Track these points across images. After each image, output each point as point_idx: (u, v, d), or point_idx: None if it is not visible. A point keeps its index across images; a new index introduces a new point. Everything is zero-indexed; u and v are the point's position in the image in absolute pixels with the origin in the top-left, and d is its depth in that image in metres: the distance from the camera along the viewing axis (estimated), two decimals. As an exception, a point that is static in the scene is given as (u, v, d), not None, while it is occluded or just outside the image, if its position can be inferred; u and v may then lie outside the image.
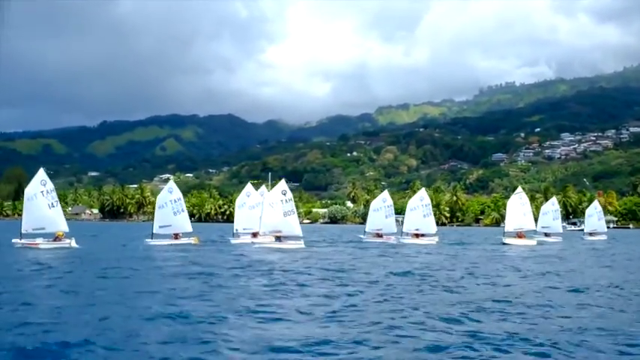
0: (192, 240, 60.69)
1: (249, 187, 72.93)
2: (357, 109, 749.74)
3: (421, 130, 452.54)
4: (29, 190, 52.07)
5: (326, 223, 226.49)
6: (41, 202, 51.52)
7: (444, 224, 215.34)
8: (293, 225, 56.86)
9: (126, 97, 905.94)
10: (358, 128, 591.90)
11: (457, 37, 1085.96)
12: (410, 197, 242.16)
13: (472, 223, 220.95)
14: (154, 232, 59.69)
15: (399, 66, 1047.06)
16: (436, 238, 71.35)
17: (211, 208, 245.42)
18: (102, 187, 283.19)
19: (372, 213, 75.26)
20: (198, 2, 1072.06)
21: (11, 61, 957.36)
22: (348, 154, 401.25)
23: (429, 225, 71.74)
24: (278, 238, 56.86)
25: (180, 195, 61.53)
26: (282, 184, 58.58)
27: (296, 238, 57.96)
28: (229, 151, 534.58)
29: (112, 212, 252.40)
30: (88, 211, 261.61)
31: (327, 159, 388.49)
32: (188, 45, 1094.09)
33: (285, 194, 57.20)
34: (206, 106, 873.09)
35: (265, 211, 57.10)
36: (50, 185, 52.26)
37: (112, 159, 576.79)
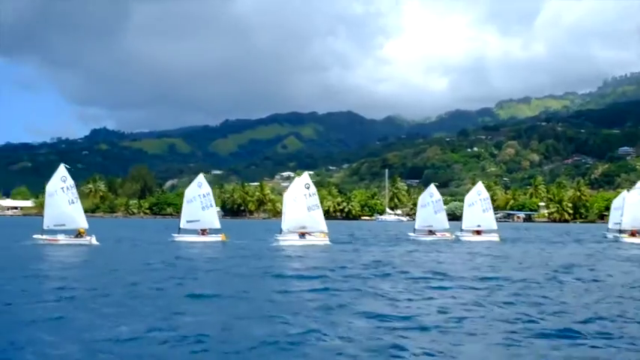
0: (221, 237, 58.73)
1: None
2: (476, 103, 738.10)
3: (543, 124, 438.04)
4: (50, 187, 51.85)
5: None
6: (61, 198, 51.24)
7: (566, 221, 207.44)
8: (318, 220, 54.93)
9: (247, 96, 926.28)
10: (478, 123, 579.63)
11: (576, 28, 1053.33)
12: (531, 194, 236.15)
13: (596, 220, 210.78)
14: (181, 227, 58.63)
15: (518, 59, 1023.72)
16: (497, 235, 67.60)
17: (330, 206, 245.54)
18: (223, 185, 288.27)
19: (420, 209, 71.04)
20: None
21: (137, 64, 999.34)
22: (469, 150, 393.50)
23: (490, 221, 68.22)
24: (302, 235, 54.80)
25: (210, 190, 60.19)
26: (305, 178, 56.60)
27: (321, 233, 56.10)
28: (349, 148, 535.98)
29: (232, 210, 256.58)
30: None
31: (447, 155, 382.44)
32: (306, 42, 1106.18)
33: (308, 188, 55.16)
34: (325, 103, 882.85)
35: (288, 207, 55.24)
36: (70, 182, 51.84)
37: (234, 157, 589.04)
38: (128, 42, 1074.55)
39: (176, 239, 57.88)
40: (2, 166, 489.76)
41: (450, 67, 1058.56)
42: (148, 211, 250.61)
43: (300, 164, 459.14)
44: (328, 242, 54.61)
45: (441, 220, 69.22)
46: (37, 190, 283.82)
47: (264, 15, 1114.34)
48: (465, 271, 33.50)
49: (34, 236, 51.73)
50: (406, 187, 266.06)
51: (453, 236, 68.39)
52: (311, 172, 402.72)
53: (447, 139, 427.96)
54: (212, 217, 58.92)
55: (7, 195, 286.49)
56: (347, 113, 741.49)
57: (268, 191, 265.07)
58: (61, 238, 50.94)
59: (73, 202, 51.50)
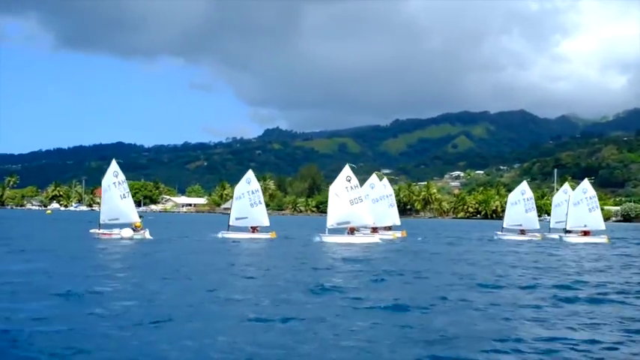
0: (270, 235, 56.98)
1: (373, 178, 68.35)
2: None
3: None
4: (105, 182, 52.70)
5: (618, 221, 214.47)
6: (114, 193, 51.88)
7: None
8: (361, 214, 52.13)
9: (417, 96, 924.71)
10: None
11: None
12: None
13: None
14: (230, 223, 57.59)
15: None
16: (606, 237, 63.43)
17: (497, 206, 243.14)
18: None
19: (510, 207, 67.97)
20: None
21: (309, 64, 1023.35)
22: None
23: (597, 221, 63.98)
24: (351, 232, 52.40)
25: (259, 186, 58.89)
26: (347, 171, 53.29)
27: (366, 230, 54.47)
28: (521, 148, 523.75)
29: (399, 209, 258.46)
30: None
31: (623, 154, 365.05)
32: (478, 41, 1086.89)
33: (349, 181, 52.50)
34: (497, 102, 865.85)
35: (331, 202, 53.05)
36: (122, 177, 52.53)
37: (404, 157, 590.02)
38: (300, 43, 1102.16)
39: (224, 236, 57.34)
40: (180, 164, 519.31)
41: (630, 64, 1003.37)
42: (314, 209, 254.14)
43: (471, 164, 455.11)
44: (379, 241, 52.36)
45: (532, 220, 66.78)
46: (211, 188, 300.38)
47: (436, 14, 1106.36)
48: None
49: (91, 231, 52.95)
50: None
51: (542, 237, 65.82)
52: (480, 172, 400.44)
53: (625, 139, 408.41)
54: (261, 214, 57.48)
55: (182, 192, 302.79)
56: (520, 112, 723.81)
57: (434, 190, 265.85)
58: (116, 232, 51.55)
59: (125, 197, 52.26)
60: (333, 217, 52.29)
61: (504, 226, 67.50)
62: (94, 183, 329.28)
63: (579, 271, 33.86)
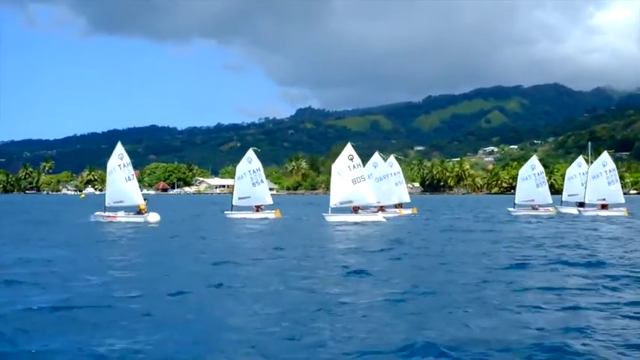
0: (274, 213, 56.41)
1: (376, 156, 66.02)
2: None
3: None
4: (110, 164, 51.94)
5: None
6: (119, 175, 51.20)
7: None
8: (364, 193, 50.87)
9: (450, 71, 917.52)
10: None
11: None
12: None
13: None
14: (234, 203, 57.06)
15: None
16: (625, 209, 62.16)
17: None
18: (422, 162, 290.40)
19: (521, 182, 66.32)
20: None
21: (340, 43, 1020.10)
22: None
23: (616, 194, 62.70)
24: (355, 211, 51.35)
25: (260, 165, 57.96)
26: (349, 149, 51.89)
27: (372, 209, 53.24)
28: (555, 121, 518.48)
29: (432, 185, 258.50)
30: (409, 185, 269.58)
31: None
32: (511, 16, 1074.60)
33: (352, 159, 51.12)
34: (531, 76, 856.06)
35: (334, 181, 52.05)
36: (127, 159, 51.82)
37: (438, 133, 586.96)
38: (331, 22, 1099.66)
39: (229, 216, 56.99)
40: (213, 146, 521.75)
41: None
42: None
43: (504, 139, 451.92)
44: (382, 219, 51.24)
45: (544, 194, 65.18)
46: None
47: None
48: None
49: (96, 213, 52.35)
50: (613, 160, 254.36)
51: (556, 211, 64.90)
52: (514, 147, 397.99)
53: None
54: (263, 193, 57.25)
55: (216, 174, 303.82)
56: (553, 85, 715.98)
57: (467, 166, 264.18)
58: (121, 215, 51.17)
59: (130, 180, 51.65)
60: (336, 196, 51.48)
61: (516, 202, 66.40)
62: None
63: None
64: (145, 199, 53.47)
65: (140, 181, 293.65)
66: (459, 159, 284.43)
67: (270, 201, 57.15)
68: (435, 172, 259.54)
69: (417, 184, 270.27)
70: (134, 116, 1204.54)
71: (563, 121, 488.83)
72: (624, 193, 66.54)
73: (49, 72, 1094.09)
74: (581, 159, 70.84)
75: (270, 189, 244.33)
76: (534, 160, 69.18)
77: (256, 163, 57.62)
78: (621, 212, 61.70)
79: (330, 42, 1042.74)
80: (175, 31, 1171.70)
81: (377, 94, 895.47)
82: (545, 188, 65.90)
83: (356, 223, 47.44)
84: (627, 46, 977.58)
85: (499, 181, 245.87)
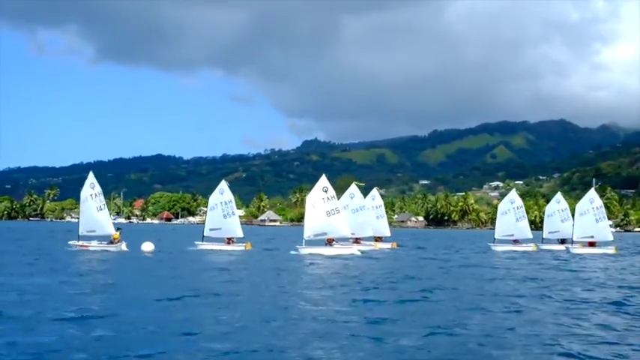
0: (245, 246, 55.64)
1: (352, 188, 64.58)
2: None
3: None
4: (82, 193, 51.99)
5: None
6: (91, 204, 51.26)
7: None
8: (338, 225, 50.20)
9: (456, 106, 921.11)
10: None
11: None
12: None
13: None
14: (205, 234, 56.42)
15: None
16: (613, 247, 61.24)
17: (536, 216, 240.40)
18: (426, 196, 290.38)
19: (501, 216, 65.31)
20: (525, 6, 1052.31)
21: (347, 75, 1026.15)
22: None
23: (604, 231, 61.50)
24: (329, 243, 50.82)
25: (232, 197, 57.06)
26: (323, 181, 51.43)
27: (346, 241, 52.64)
28: (561, 158, 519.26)
29: (435, 220, 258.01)
30: (413, 219, 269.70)
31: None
32: (518, 50, 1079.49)
33: (326, 191, 50.65)
34: (537, 111, 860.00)
35: (308, 213, 51.54)
36: (98, 189, 51.89)
37: (443, 167, 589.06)
38: (338, 54, 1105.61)
39: (199, 247, 56.42)
40: (219, 176, 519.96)
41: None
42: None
43: (510, 174, 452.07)
44: (357, 252, 50.70)
45: (523, 229, 64.22)
46: (249, 200, 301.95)
47: (474, 24, 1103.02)
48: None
49: (70, 242, 52.54)
50: (617, 198, 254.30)
51: (537, 248, 63.52)
52: (519, 182, 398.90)
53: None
54: (234, 225, 56.09)
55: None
56: (560, 122, 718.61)
57: (472, 201, 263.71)
58: (94, 244, 51.18)
59: (101, 209, 51.72)
60: (309, 229, 50.84)
61: (496, 237, 65.37)
62: (133, 195, 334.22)
63: None
64: (118, 229, 53.42)
65: (144, 210, 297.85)
66: (463, 193, 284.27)
67: (240, 234, 55.89)
68: (439, 206, 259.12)
69: (421, 218, 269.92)
70: (140, 145, 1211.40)
71: (569, 157, 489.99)
72: (628, 231, 65.97)
73: (57, 99, 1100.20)
74: (559, 196, 69.71)
75: (274, 220, 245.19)
76: (513, 194, 68.65)
77: (228, 195, 56.75)
78: (610, 250, 60.80)
79: (337, 74, 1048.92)
80: (183, 60, 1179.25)
81: (383, 127, 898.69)
82: (525, 223, 65.00)
83: (328, 256, 46.75)
84: (633, 83, 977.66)
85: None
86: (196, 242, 57.63)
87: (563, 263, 47.13)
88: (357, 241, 58.09)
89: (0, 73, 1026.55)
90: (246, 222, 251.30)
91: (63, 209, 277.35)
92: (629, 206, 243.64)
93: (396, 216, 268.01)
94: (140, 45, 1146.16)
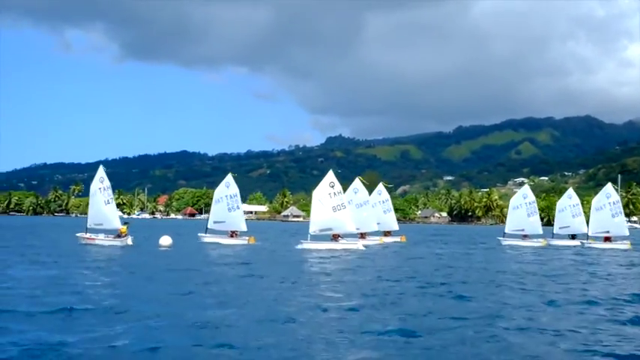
0: (249, 240, 55.70)
1: (356, 182, 64.96)
2: None
3: None
4: (92, 187, 52.49)
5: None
6: (99, 198, 51.85)
7: None
8: (344, 221, 50.33)
9: (481, 102, 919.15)
10: None
11: None
12: None
13: None
14: (209, 227, 56.82)
15: None
16: (628, 242, 60.37)
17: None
18: (450, 191, 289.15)
19: (512, 211, 65.46)
20: (552, 3, 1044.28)
21: (371, 72, 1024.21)
22: None
23: (620, 227, 61.11)
24: (335, 239, 50.79)
25: (237, 191, 56.89)
26: (330, 176, 51.80)
27: (352, 237, 52.58)
28: (586, 154, 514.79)
29: (459, 215, 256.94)
30: (436, 214, 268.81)
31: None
32: (543, 47, 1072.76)
33: (333, 187, 50.94)
34: (562, 107, 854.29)
35: (314, 208, 51.57)
36: (107, 182, 52.25)
37: (467, 163, 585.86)
38: (362, 51, 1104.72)
39: (202, 239, 56.82)
40: (243, 172, 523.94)
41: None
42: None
43: (534, 170, 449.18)
44: (362, 247, 50.53)
45: (534, 224, 64.31)
46: (273, 196, 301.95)
47: (501, 21, 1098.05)
48: None
49: (77, 234, 53.28)
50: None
51: (547, 243, 62.98)
52: (545, 178, 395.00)
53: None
54: (238, 219, 56.35)
55: (244, 200, 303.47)
56: (585, 118, 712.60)
57: (496, 197, 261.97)
58: (100, 238, 51.47)
59: (109, 203, 52.15)
60: (315, 224, 50.86)
61: (506, 231, 65.59)
62: (157, 191, 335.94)
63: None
64: (126, 223, 54.07)
65: (168, 205, 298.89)
66: (487, 189, 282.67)
67: (244, 227, 56.09)
68: (462, 202, 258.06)
69: (444, 214, 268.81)
70: (165, 141, 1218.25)
71: (594, 153, 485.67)
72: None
73: (83, 96, 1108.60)
74: (571, 191, 69.40)
75: (297, 216, 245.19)
76: (526, 188, 69.00)
77: (234, 189, 56.82)
78: (625, 245, 60.19)
79: (361, 71, 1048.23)
80: (207, 58, 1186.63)
81: (407, 123, 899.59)
82: (536, 218, 65.03)
83: (331, 251, 46.46)
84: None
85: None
86: (200, 234, 58.04)
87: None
88: (362, 236, 58.29)
89: (27, 71, 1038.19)
90: (269, 217, 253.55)
91: (87, 205, 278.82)
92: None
93: (419, 212, 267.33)
94: (164, 42, 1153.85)
